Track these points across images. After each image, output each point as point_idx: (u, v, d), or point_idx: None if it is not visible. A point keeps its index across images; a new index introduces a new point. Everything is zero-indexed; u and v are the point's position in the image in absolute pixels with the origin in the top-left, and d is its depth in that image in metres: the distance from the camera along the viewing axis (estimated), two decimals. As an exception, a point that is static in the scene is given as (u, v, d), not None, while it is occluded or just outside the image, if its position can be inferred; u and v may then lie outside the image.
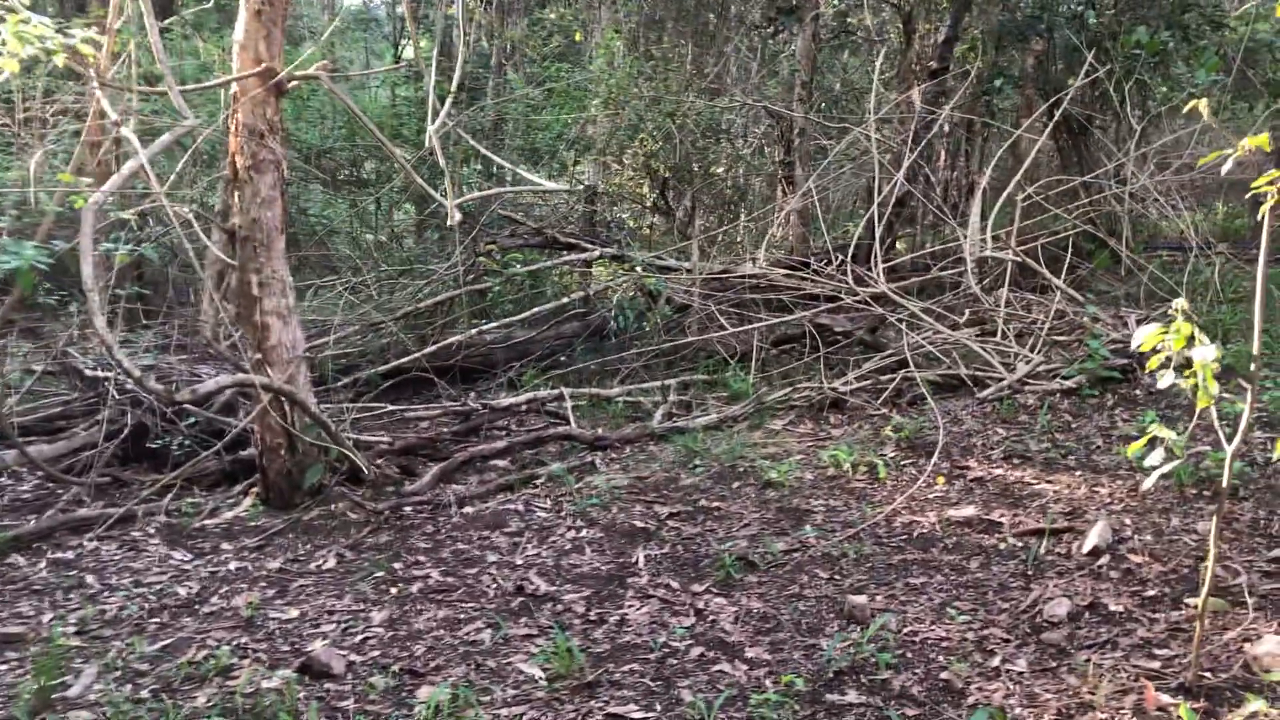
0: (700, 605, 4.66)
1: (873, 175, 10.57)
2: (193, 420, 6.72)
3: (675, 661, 4.16)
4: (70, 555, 5.52)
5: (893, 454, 6.35)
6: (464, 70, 9.75)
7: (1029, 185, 8.59)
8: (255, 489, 6.15)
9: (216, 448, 6.23)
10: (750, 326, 7.97)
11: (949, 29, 11.95)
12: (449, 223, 5.20)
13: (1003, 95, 11.13)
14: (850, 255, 9.50)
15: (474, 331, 8.01)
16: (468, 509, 5.93)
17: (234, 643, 4.44)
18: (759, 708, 3.71)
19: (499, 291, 8.15)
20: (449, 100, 5.14)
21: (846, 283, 7.94)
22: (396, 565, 5.21)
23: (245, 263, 5.65)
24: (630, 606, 4.72)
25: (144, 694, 4.02)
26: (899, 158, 10.49)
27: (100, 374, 7.26)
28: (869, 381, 7.28)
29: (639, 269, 8.04)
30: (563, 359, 9.16)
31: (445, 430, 7.32)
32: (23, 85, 5.54)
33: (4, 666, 4.35)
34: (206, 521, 5.91)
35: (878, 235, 7.89)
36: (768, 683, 3.93)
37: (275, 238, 5.69)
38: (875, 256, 7.87)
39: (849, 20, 13.53)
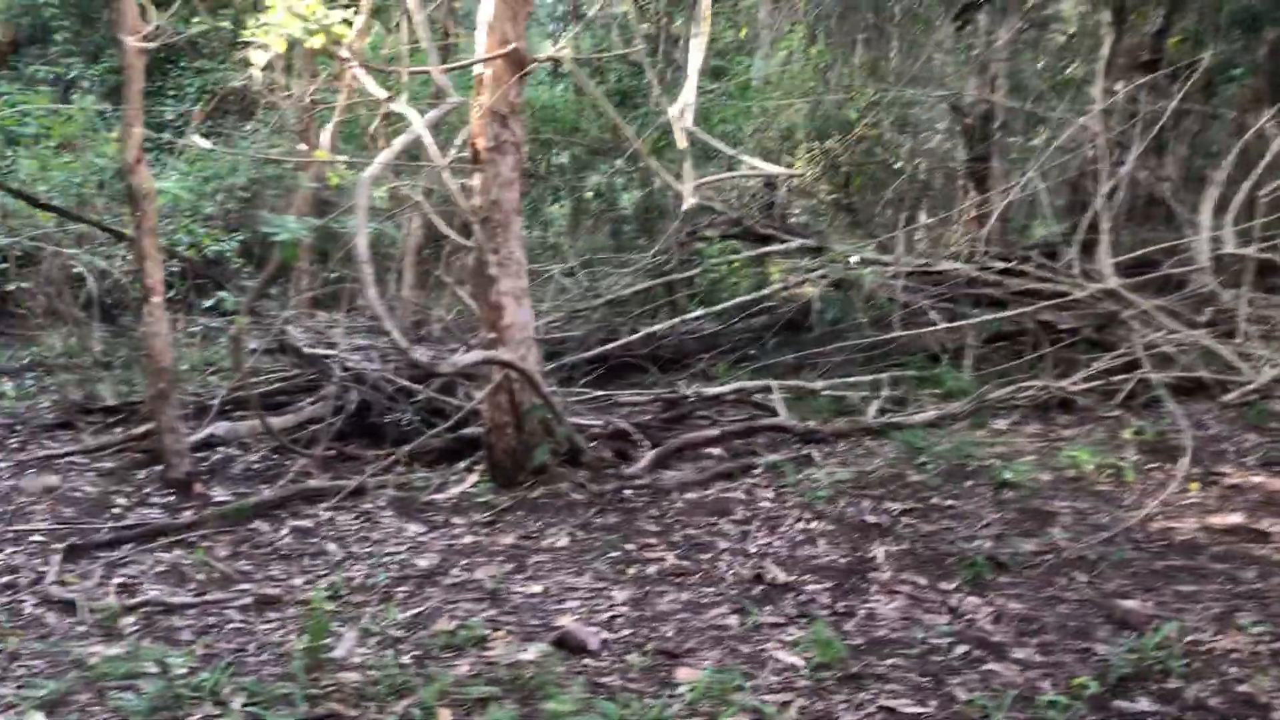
0: (953, 604, 4.51)
1: (1083, 168, 10.18)
2: (417, 398, 6.91)
3: (940, 658, 4.03)
4: (309, 523, 5.74)
5: (1135, 457, 6.05)
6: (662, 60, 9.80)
7: (1271, 180, 8.08)
8: (480, 466, 6.27)
9: (447, 424, 6.36)
10: (967, 322, 7.73)
11: (1164, 19, 11.40)
12: (684, 206, 5.18)
13: (1233, 85, 10.53)
14: (1055, 251, 9.16)
15: (678, 320, 8.01)
16: (689, 495, 5.92)
17: (483, 614, 4.52)
18: (1045, 710, 3.55)
19: (714, 279, 8.13)
20: (690, 83, 5.11)
21: (1072, 278, 7.62)
22: (629, 546, 5.22)
23: (483, 243, 5.75)
24: (877, 601, 4.60)
25: (405, 660, 4.12)
26: (1113, 150, 10.05)
27: (320, 352, 7.54)
28: (1099, 381, 6.96)
29: (852, 260, 7.87)
30: (752, 352, 9.09)
31: (651, 417, 7.34)
32: (284, 65, 5.76)
33: (267, 626, 4.53)
34: (435, 496, 6.05)
35: (1103, 229, 7.55)
36: (1045, 684, 3.76)
37: (513, 219, 5.78)
38: (1102, 251, 7.52)
39: (1046, 11, 13.05)
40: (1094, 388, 6.94)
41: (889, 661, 4.02)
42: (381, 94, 5.04)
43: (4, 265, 9.14)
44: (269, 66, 5.54)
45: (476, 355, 5.33)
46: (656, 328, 7.98)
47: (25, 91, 11.83)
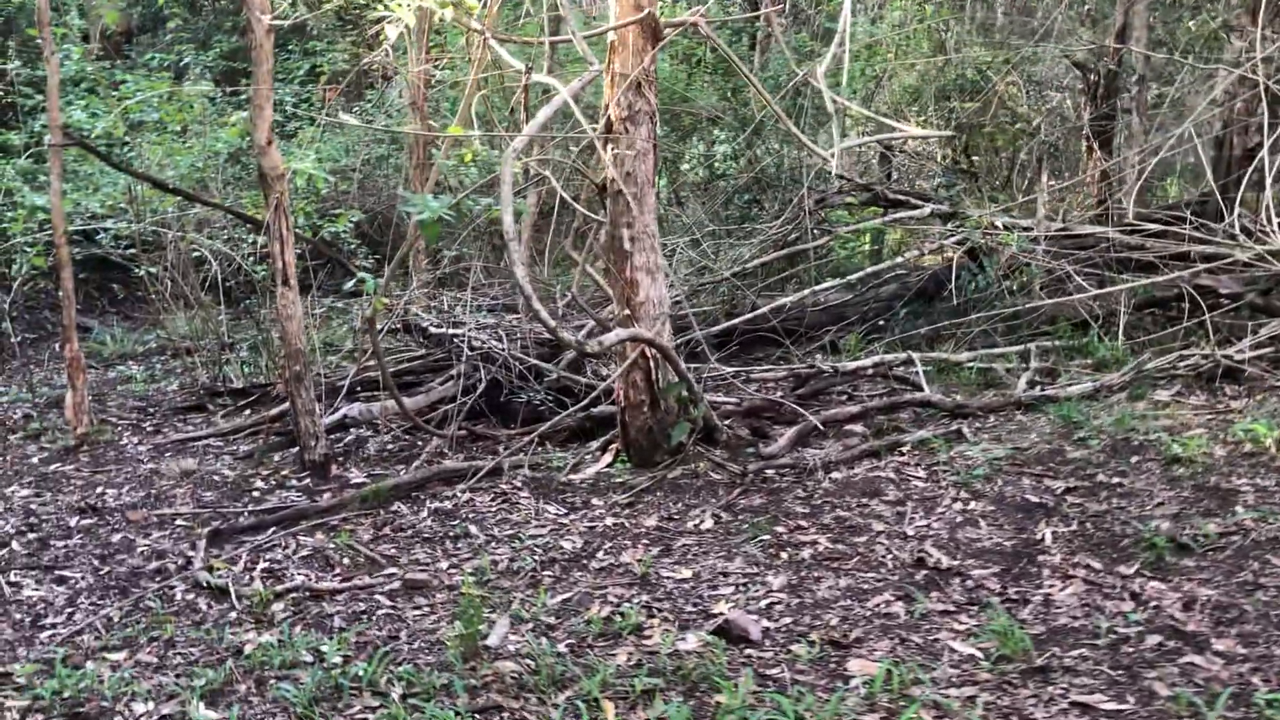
0: (1135, 589, 4.24)
1: (1230, 122, 9.60)
2: (547, 377, 6.83)
3: (1131, 649, 3.78)
4: (448, 505, 5.70)
5: (1319, 430, 5.65)
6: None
7: None
8: (614, 446, 6.17)
9: (581, 404, 6.26)
10: (1117, 288, 7.32)
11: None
12: (833, 171, 4.96)
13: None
14: (1204, 210, 8.65)
15: (808, 292, 7.78)
16: (835, 474, 5.71)
17: (635, 601, 4.41)
18: (1265, 710, 3.29)
19: (850, 248, 7.87)
20: (836, 43, 4.87)
21: (1234, 238, 7.16)
22: (779, 529, 5.06)
23: (617, 217, 5.62)
24: (1051, 586, 4.36)
25: (561, 648, 4.03)
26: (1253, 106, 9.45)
27: (447, 331, 7.52)
28: (1269, 349, 6.53)
29: (998, 224, 7.51)
30: (881, 323, 8.80)
31: (785, 393, 7.14)
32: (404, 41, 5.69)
33: (416, 612, 4.49)
34: (571, 477, 5.97)
35: (1269, 185, 7.07)
36: (1256, 680, 3.49)
37: (648, 191, 5.63)
38: (1269, 209, 7.05)
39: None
40: (1263, 355, 6.51)
41: (1075, 653, 3.79)
42: (518, 66, 4.92)
43: (131, 250, 9.33)
44: (395, 43, 5.43)
45: (621, 333, 5.20)
46: (785, 300, 7.74)
47: (142, 79, 12.11)
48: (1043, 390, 6.56)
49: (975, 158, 11.86)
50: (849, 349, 8.30)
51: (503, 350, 6.91)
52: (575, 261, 6.18)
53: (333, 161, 12.14)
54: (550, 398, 6.80)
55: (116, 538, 5.41)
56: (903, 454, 5.95)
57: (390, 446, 6.85)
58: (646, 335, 5.31)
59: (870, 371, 7.08)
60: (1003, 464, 5.63)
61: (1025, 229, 8.00)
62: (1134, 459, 5.55)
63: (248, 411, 7.85)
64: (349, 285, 7.03)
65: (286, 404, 7.46)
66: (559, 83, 4.58)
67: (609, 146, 5.58)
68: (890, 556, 4.71)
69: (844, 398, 7.15)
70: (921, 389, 6.73)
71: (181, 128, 10.22)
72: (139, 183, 8.66)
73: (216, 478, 6.34)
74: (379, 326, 8.34)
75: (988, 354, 7.29)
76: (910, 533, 4.94)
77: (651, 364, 5.79)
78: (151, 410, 8.34)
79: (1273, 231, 6.93)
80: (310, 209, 10.33)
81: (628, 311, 5.72)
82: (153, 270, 9.06)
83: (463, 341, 7.06)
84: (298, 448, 6.39)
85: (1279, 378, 6.41)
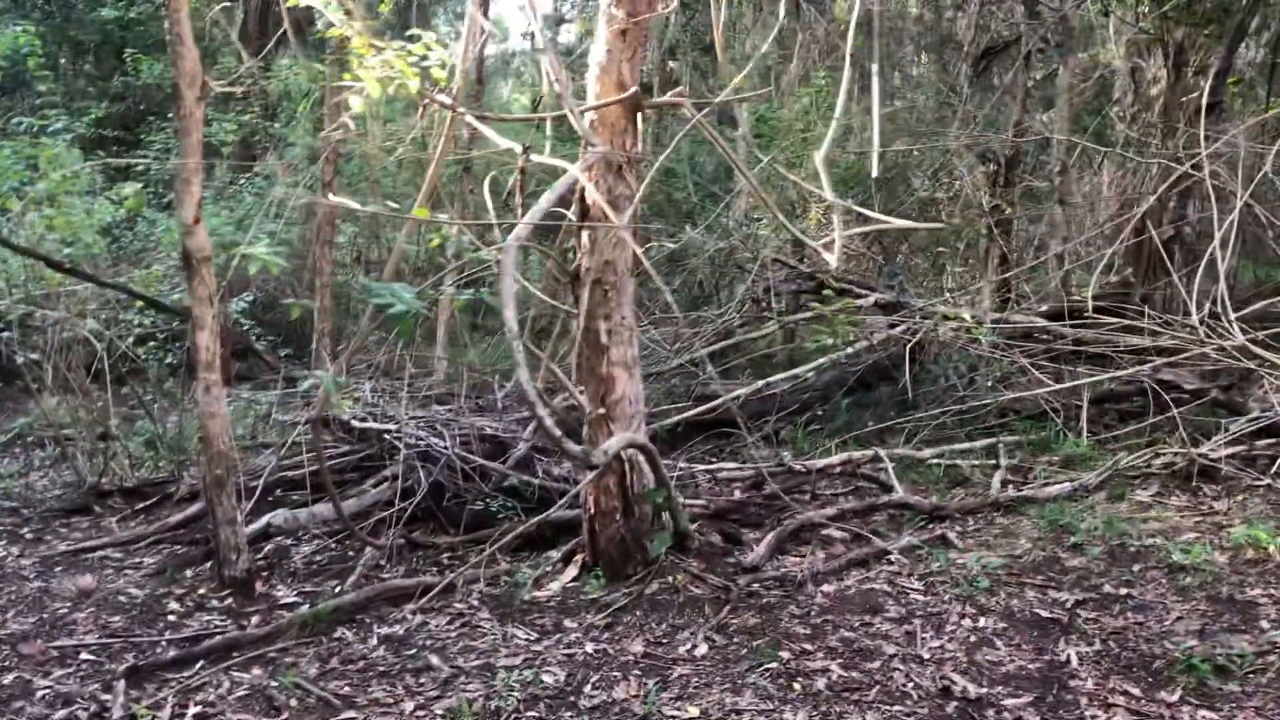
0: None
1: (1149, 214, 9.84)
2: (501, 479, 6.32)
3: (1210, 796, 3.49)
4: (399, 630, 5.11)
5: (1316, 534, 5.57)
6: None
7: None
8: (580, 556, 5.69)
9: (548, 510, 5.77)
10: (1078, 382, 7.24)
11: (1222, 60, 11.14)
12: (833, 265, 4.68)
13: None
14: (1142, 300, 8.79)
15: (760, 384, 7.49)
16: (826, 587, 5.35)
17: (644, 747, 3.93)
18: None
19: (816, 341, 7.60)
20: (832, 129, 4.63)
21: (1193, 330, 7.16)
22: (783, 654, 4.64)
23: (593, 308, 5.22)
24: (1094, 716, 4.06)
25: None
26: (1186, 196, 9.72)
27: (377, 427, 6.95)
28: (1241, 447, 6.49)
29: (948, 314, 7.37)
30: (819, 412, 8.58)
31: (744, 490, 6.80)
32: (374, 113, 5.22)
33: (388, 766, 3.92)
34: (535, 594, 5.45)
35: (1221, 276, 7.12)
36: (1360, 833, 3.22)
37: (626, 281, 5.26)
38: (1223, 302, 7.09)
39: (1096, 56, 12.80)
40: (1235, 454, 6.46)
41: (1152, 801, 3.47)
42: (509, 145, 4.51)
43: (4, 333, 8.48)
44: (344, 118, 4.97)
45: (620, 440, 4.76)
46: (741, 391, 7.42)
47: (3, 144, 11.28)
48: (1019, 491, 6.37)
49: (901, 248, 11.84)
50: (795, 440, 8.03)
51: (444, 449, 6.38)
52: (534, 354, 5.72)
53: (216, 237, 11.49)
54: (498, 501, 6.29)
55: (8, 679, 4.65)
56: (891, 562, 5.63)
57: (318, 558, 6.21)
58: (640, 440, 4.90)
59: (837, 469, 6.78)
60: (1000, 574, 5.37)
61: (972, 320, 7.89)
62: (1135, 567, 5.35)
63: (147, 516, 7.09)
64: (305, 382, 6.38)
65: (194, 507, 6.79)
66: (567, 164, 4.17)
67: (583, 234, 5.20)
68: (912, 685, 4.34)
69: (807, 497, 6.82)
70: (892, 488, 6.47)
71: (50, 197, 9.44)
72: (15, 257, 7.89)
73: (123, 598, 5.59)
74: (290, 419, 7.74)
75: (952, 450, 7.09)
76: (926, 656, 4.59)
77: (626, 467, 5.37)
78: (26, 512, 7.46)
79: (1228, 327, 6.96)
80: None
81: (602, 410, 5.30)
82: (33, 356, 8.22)
83: (396, 438, 6.51)
84: (215, 562, 5.71)
85: (1254, 477, 6.35)
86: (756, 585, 5.37)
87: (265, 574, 5.89)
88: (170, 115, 14.80)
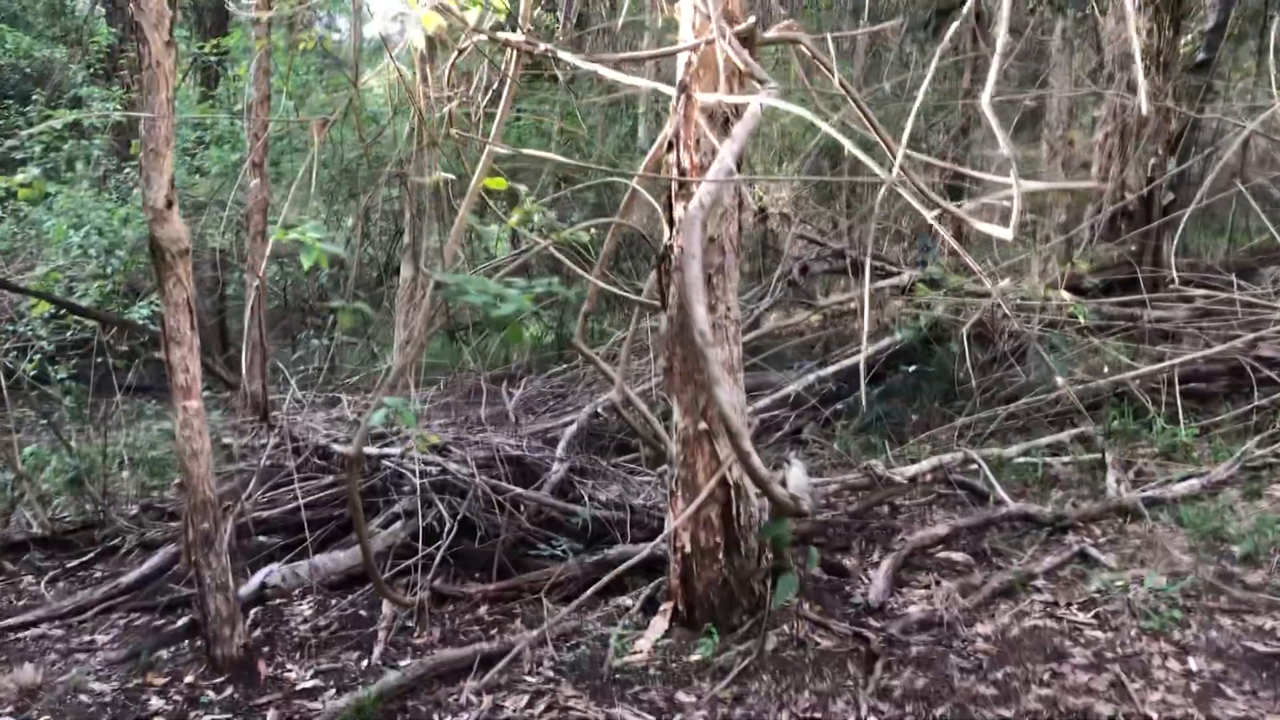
0: None
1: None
2: (536, 511, 5.30)
3: None
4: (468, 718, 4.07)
5: None
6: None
7: None
8: (667, 606, 4.71)
9: (650, 548, 4.73)
10: (1168, 364, 6.55)
11: (1219, 13, 10.69)
12: (1009, 238, 3.78)
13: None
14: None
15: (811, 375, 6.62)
16: (980, 628, 4.49)
17: None
18: None
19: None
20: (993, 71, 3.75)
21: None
22: (981, 726, 3.77)
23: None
24: None
25: None
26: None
27: (369, 451, 5.85)
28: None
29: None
30: (839, 407, 7.76)
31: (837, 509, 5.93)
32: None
33: None
34: (627, 658, 4.46)
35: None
36: None
37: (733, 264, 4.29)
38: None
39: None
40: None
41: None
42: (652, 85, 3.41)
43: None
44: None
45: (800, 478, 3.80)
46: (790, 388, 6.52)
47: None
48: (1143, 492, 5.63)
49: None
50: (841, 441, 7.20)
51: (468, 476, 5.32)
52: (582, 353, 4.72)
53: (110, 232, 10.07)
54: (555, 542, 5.27)
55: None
56: (1038, 589, 4.82)
57: (324, 622, 5.08)
58: (801, 476, 3.92)
59: (929, 476, 5.94)
60: (1176, 598, 4.60)
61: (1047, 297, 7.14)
62: (1330, 580, 4.65)
63: (80, 574, 5.84)
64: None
65: (152, 561, 5.61)
66: (744, 97, 3.13)
67: (678, 204, 4.23)
68: (1160, 758, 3.52)
69: (887, 510, 5.98)
70: (987, 495, 5.68)
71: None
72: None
73: (84, 697, 4.39)
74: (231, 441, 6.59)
75: (1038, 446, 6.33)
76: (1155, 716, 3.77)
77: (733, 493, 4.42)
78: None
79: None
80: (106, 288, 8.39)
81: (703, 425, 4.33)
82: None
83: (408, 467, 5.44)
84: (203, 639, 4.56)
85: (1391, 462, 5.76)
86: (894, 630, 4.48)
87: (266, 649, 4.75)
88: (37, 97, 13.17)
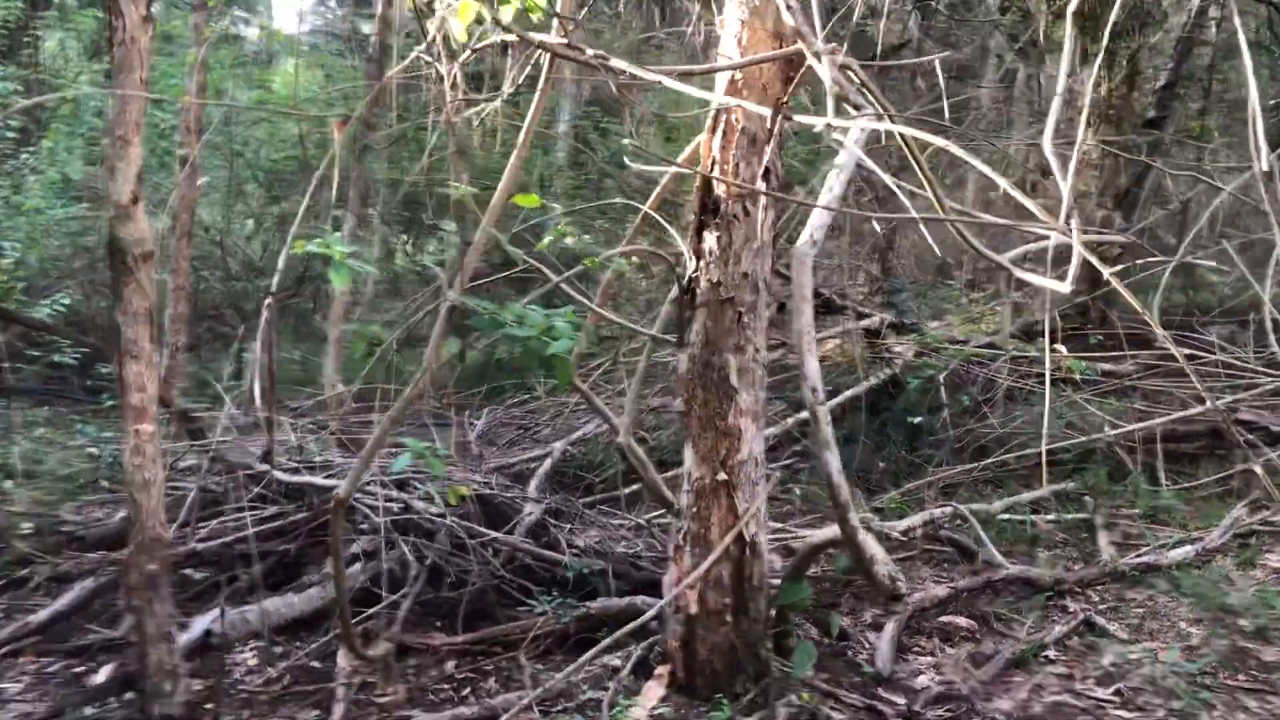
0: None
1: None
2: (510, 556, 4.88)
3: None
4: (454, 798, 3.64)
5: None
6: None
7: None
8: (663, 669, 4.34)
9: (652, 614, 4.34)
10: (1152, 423, 6.44)
11: (1170, 73, 10.85)
12: (1066, 291, 3.53)
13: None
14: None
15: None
16: (999, 702, 4.24)
17: None
18: None
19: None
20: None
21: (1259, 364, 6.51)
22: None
23: (720, 337, 3.91)
24: None
25: None
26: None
27: (315, 482, 5.36)
28: (1357, 500, 5.85)
29: (1058, 349, 6.35)
30: (799, 449, 7.50)
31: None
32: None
33: None
34: (628, 727, 4.08)
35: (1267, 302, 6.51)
36: None
37: (764, 302, 3.98)
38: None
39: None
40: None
41: None
42: (747, 106, 3.05)
43: None
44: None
45: (883, 557, 3.44)
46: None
47: None
48: (1138, 557, 5.48)
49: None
50: (803, 487, 6.94)
51: (438, 517, 4.89)
52: (583, 395, 4.32)
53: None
54: (547, 593, 4.86)
55: None
56: (1049, 659, 4.59)
57: (272, 673, 4.57)
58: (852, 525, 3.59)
59: (919, 532, 5.69)
60: (1194, 675, 4.42)
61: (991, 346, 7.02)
62: (1352, 660, 4.52)
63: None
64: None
65: (66, 598, 5.02)
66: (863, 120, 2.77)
67: (705, 237, 3.90)
68: None
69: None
70: (990, 557, 5.45)
71: None
72: None
73: (0, 764, 3.84)
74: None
75: (1020, 502, 6.16)
76: (1204, 810, 3.55)
77: (747, 552, 4.09)
78: None
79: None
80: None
81: (723, 475, 4.00)
82: None
83: (366, 503, 4.98)
84: (142, 696, 4.03)
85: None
86: (906, 703, 4.20)
87: (209, 705, 4.23)
88: None
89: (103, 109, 12.56)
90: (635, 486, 5.96)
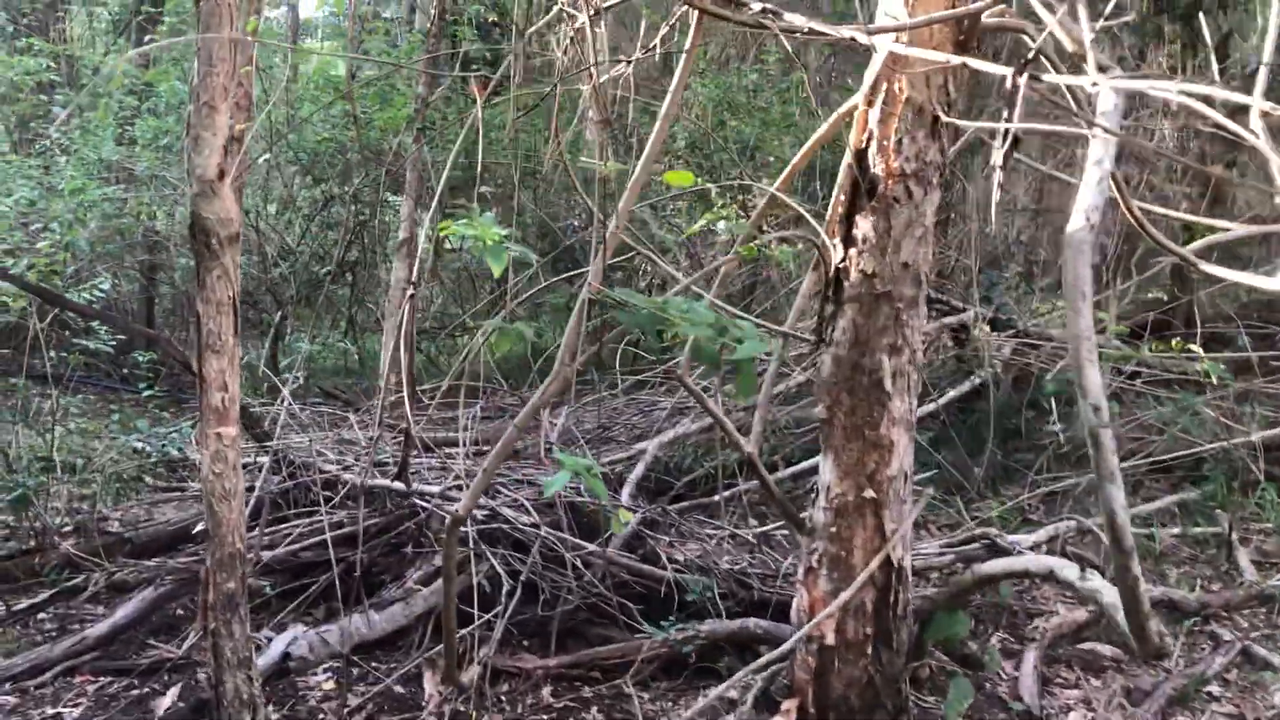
0: None
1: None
2: (604, 571, 4.47)
3: None
4: None
5: None
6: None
7: None
8: (790, 704, 3.92)
9: (790, 645, 3.93)
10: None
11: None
12: None
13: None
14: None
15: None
16: (1169, 747, 3.82)
17: None
18: None
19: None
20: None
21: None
22: None
23: (873, 335, 3.49)
24: None
25: None
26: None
27: (395, 487, 4.95)
28: None
29: (1191, 348, 5.87)
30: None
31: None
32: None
33: None
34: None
35: None
36: None
37: (921, 295, 3.55)
38: None
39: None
40: None
41: None
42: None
43: None
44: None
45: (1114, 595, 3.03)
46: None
47: None
48: (1281, 578, 5.05)
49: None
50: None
51: (531, 526, 4.48)
52: (695, 395, 3.91)
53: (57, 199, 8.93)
54: (600, 600, 4.46)
55: None
56: (1214, 695, 4.16)
57: (353, 701, 4.17)
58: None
59: (1044, 548, 5.25)
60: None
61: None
62: None
63: (26, 621, 4.82)
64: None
65: (125, 610, 4.66)
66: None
67: (856, 224, 3.47)
68: None
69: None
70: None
71: None
72: None
73: (61, 802, 3.44)
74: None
75: (1142, 513, 5.72)
76: None
77: (893, 580, 3.66)
78: None
79: None
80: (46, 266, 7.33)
81: (870, 492, 3.57)
82: None
83: (448, 510, 4.56)
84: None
85: None
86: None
87: (293, 743, 3.84)
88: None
89: (134, 87, 12.17)
90: (727, 494, 5.54)
